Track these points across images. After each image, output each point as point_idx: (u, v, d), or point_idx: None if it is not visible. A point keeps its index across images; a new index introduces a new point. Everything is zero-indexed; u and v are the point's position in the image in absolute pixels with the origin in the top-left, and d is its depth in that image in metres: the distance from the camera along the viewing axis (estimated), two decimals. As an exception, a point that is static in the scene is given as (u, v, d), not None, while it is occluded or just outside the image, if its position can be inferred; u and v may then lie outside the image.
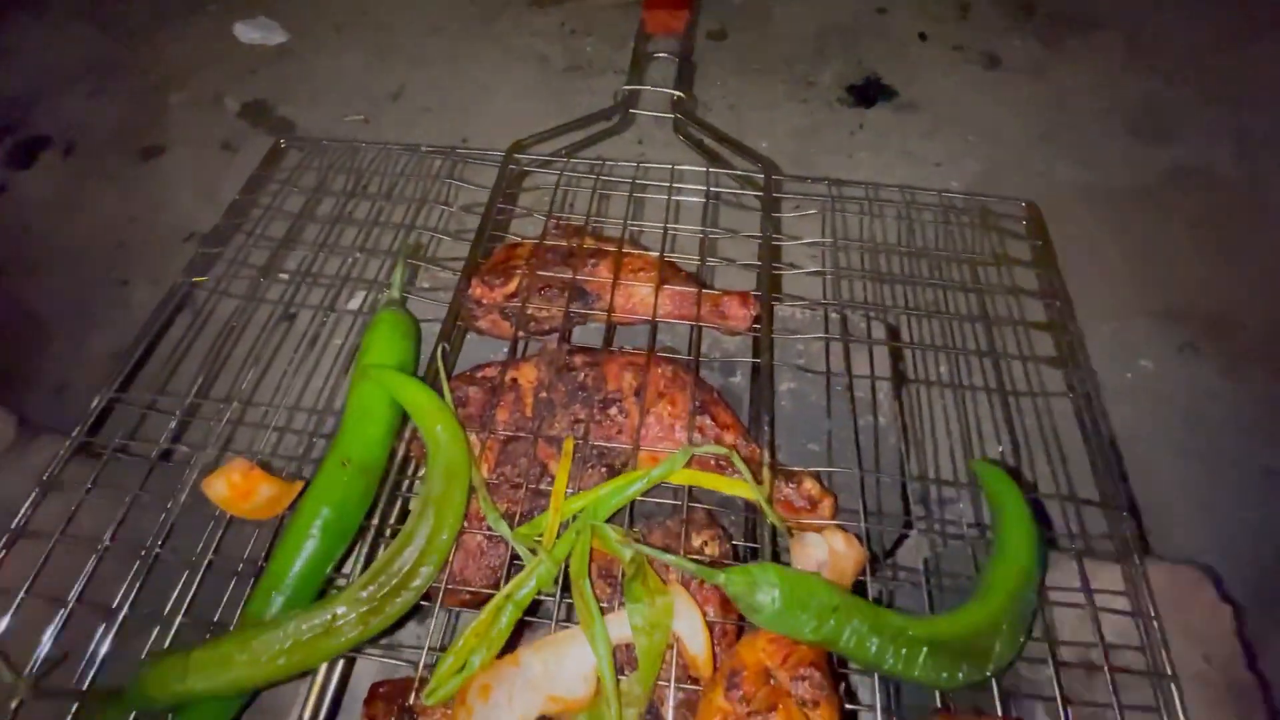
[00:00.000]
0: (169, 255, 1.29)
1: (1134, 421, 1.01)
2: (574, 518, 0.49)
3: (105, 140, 1.53)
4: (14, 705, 0.42)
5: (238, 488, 0.51)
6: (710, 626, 0.44)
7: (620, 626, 0.44)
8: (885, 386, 0.65)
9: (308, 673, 0.43)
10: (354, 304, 0.69)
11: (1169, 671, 0.46)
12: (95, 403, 0.58)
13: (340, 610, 0.42)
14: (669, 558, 0.43)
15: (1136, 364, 1.13)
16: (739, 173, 0.78)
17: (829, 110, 1.51)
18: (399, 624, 0.45)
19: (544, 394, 0.57)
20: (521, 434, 0.55)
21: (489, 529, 0.50)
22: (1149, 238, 1.31)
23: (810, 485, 0.53)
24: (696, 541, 0.49)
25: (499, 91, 1.59)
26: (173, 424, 0.58)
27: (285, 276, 0.69)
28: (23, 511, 0.51)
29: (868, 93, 1.52)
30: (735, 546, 0.53)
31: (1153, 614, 0.49)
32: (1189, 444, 1.02)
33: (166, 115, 1.57)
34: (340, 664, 0.45)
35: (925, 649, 0.41)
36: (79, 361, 1.16)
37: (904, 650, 0.41)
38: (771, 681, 0.40)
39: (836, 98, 1.54)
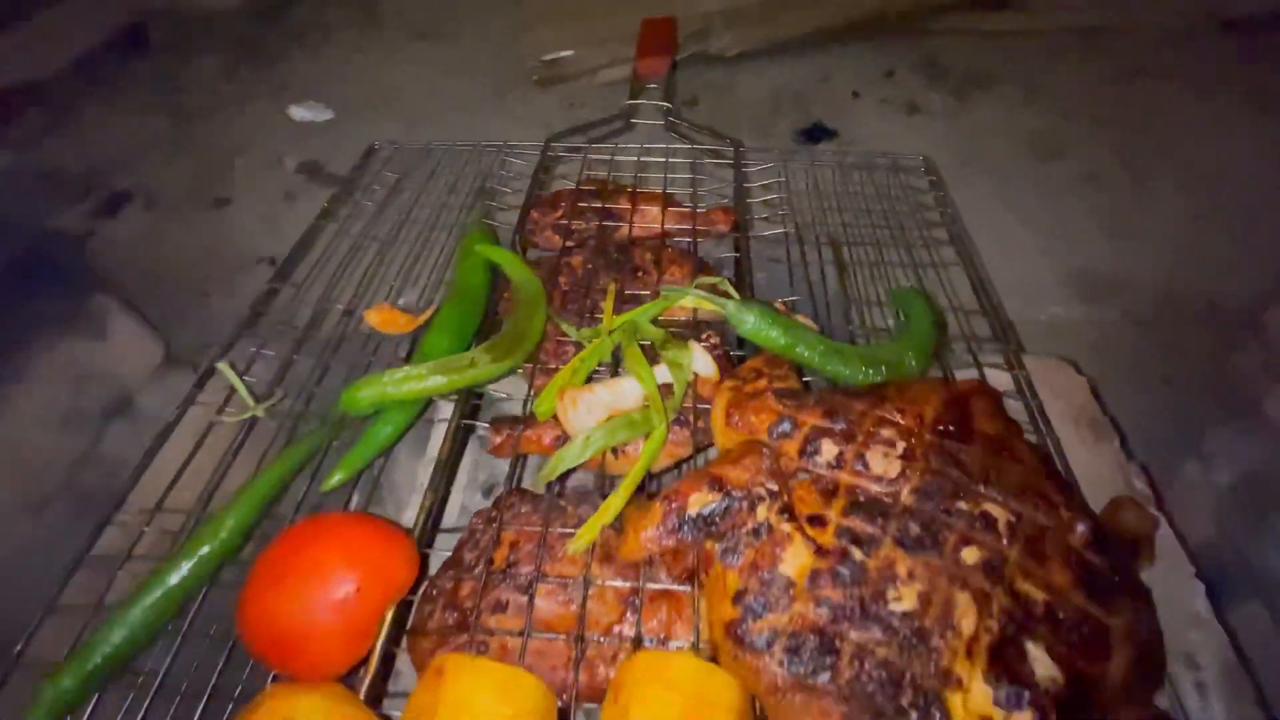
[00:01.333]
0: (243, 272, 1.57)
1: (1054, 348, 1.28)
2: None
3: (180, 194, 1.85)
4: (250, 423, 0.65)
5: (384, 317, 0.76)
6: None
7: (659, 375, 0.68)
8: (832, 273, 0.93)
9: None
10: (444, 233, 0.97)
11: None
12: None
13: (479, 355, 0.67)
14: (692, 290, 0.69)
15: (1048, 309, 1.42)
16: (715, 146, 1.09)
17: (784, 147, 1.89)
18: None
19: (589, 266, 0.84)
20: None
21: (561, 334, 0.75)
22: (1054, 226, 1.65)
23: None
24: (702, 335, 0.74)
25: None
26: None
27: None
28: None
29: (814, 134, 1.91)
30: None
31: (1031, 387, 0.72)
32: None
33: (233, 173, 1.91)
34: (459, 423, 0.67)
35: (858, 357, 0.66)
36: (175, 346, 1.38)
37: (842, 359, 0.66)
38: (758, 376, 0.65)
39: (789, 139, 1.93)
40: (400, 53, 2.53)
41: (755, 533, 0.47)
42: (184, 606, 0.55)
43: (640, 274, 0.84)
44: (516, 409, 0.71)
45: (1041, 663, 0.41)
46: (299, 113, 2.14)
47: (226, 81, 2.38)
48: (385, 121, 2.11)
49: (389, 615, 0.53)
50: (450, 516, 0.72)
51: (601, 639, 0.52)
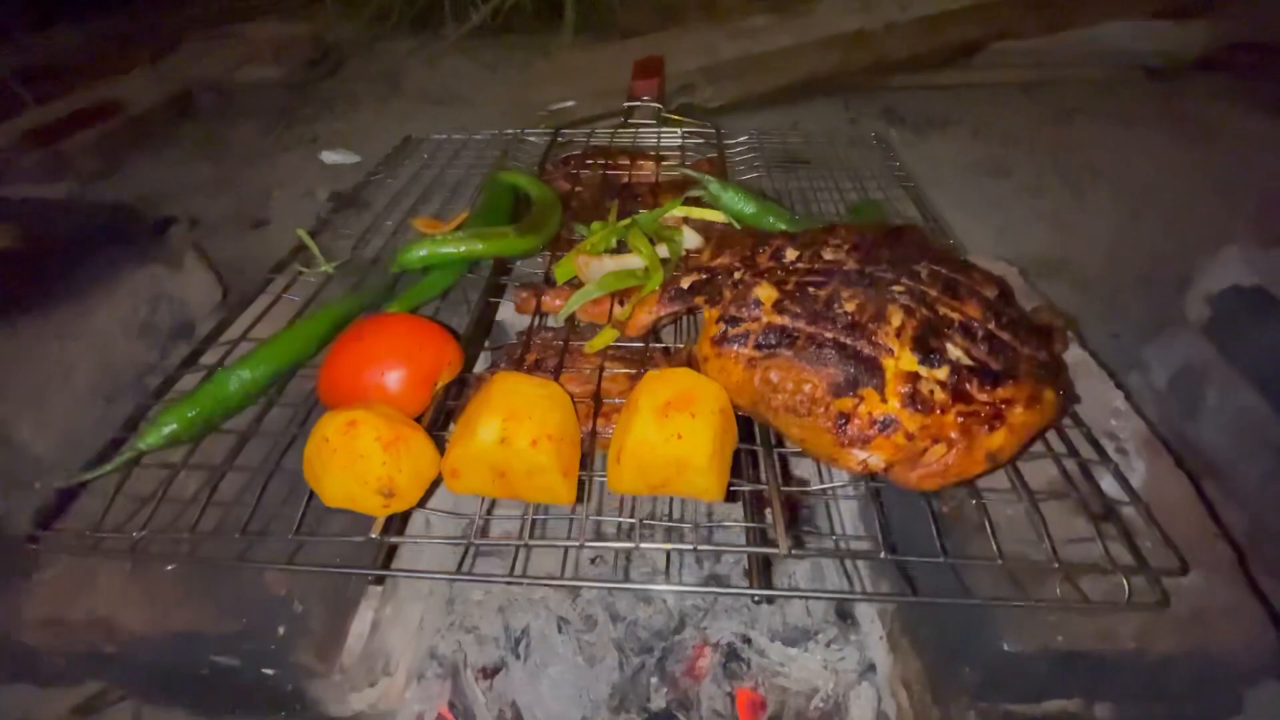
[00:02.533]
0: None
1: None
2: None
3: (221, 218, 2.05)
4: (322, 281, 0.79)
5: (428, 223, 0.91)
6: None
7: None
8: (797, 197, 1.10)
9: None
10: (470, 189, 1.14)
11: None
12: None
13: (509, 230, 0.81)
14: (689, 172, 0.85)
15: (1003, 281, 1.59)
16: (700, 129, 1.29)
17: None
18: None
19: (595, 198, 1.01)
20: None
21: (574, 234, 0.90)
22: (1003, 225, 1.85)
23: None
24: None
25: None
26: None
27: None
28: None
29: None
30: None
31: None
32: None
33: (270, 203, 2.12)
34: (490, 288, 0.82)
35: (816, 223, 0.82)
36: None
37: (806, 224, 0.81)
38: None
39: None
40: (420, 114, 2.84)
41: (734, 285, 0.60)
42: (270, 386, 0.67)
43: (638, 199, 1.01)
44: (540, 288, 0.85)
45: (957, 350, 0.53)
46: (330, 157, 2.39)
47: (264, 137, 2.65)
48: (408, 164, 2.36)
49: (439, 389, 0.64)
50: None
51: (614, 400, 0.64)
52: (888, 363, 0.52)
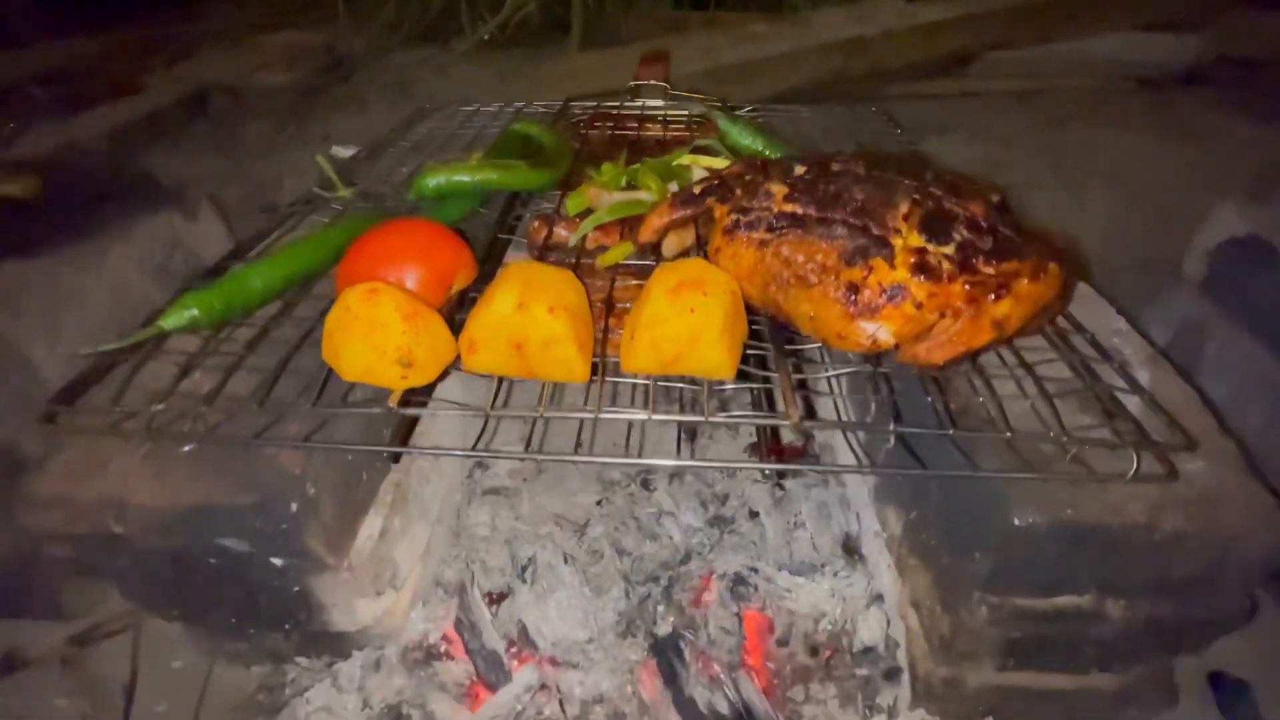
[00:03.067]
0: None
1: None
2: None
3: (231, 201, 2.08)
4: (341, 205, 0.81)
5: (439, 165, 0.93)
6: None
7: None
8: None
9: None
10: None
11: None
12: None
13: (523, 164, 0.83)
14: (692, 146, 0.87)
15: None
16: (710, 103, 1.33)
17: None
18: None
19: (605, 148, 1.04)
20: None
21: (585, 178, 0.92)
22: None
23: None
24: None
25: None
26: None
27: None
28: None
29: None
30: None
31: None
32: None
33: (282, 190, 2.15)
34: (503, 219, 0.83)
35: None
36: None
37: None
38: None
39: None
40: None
41: (745, 185, 0.62)
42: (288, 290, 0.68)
43: (645, 154, 1.03)
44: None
45: (962, 234, 0.55)
46: (340, 151, 2.43)
47: (276, 134, 2.70)
48: (419, 157, 2.41)
49: (454, 294, 0.65)
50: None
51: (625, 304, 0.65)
52: (896, 241, 0.53)
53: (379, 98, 3.14)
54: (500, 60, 3.46)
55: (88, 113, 2.31)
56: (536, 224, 0.83)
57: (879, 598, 0.79)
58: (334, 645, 0.74)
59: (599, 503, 0.95)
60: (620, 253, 0.72)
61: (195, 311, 0.59)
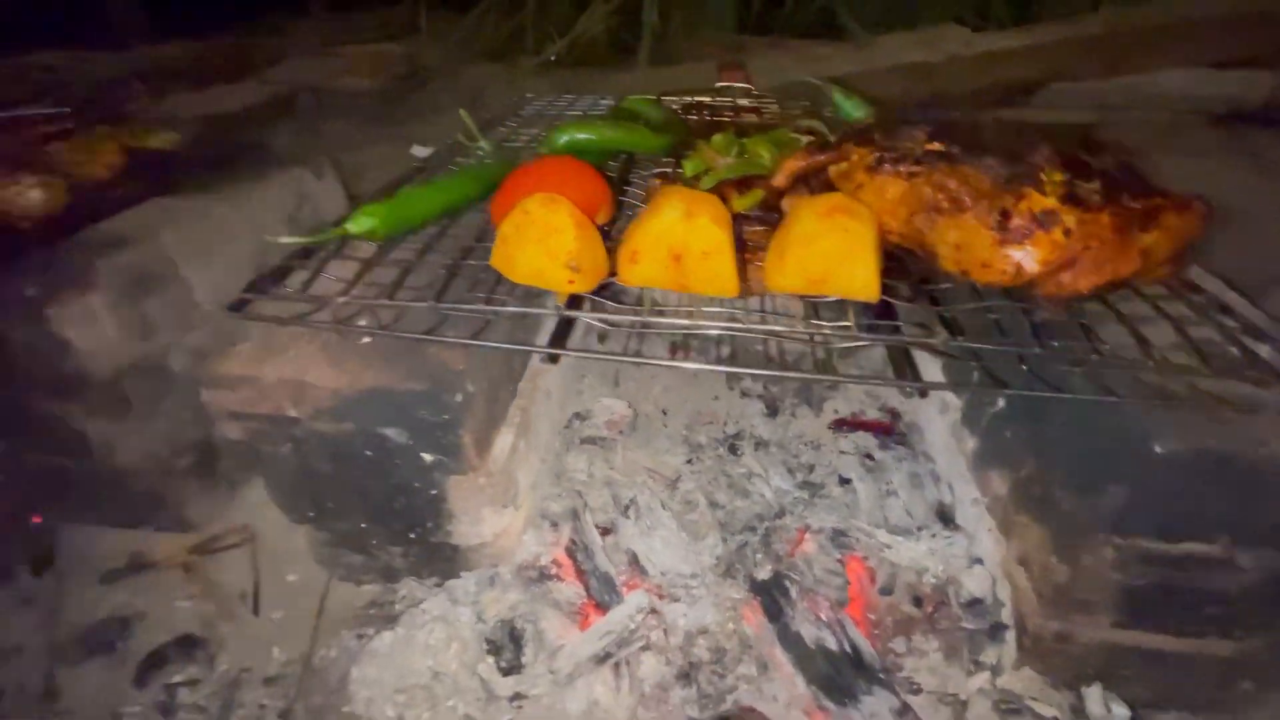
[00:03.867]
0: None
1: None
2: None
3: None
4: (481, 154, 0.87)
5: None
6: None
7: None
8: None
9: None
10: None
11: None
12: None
13: (645, 129, 0.89)
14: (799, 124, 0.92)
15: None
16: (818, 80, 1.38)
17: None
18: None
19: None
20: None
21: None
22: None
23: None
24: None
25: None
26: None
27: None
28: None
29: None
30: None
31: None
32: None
33: (362, 182, 2.27)
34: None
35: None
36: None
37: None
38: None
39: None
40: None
41: (884, 132, 0.66)
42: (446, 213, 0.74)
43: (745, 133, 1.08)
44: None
45: (1104, 172, 0.58)
46: (420, 150, 2.57)
47: (358, 133, 2.86)
48: (526, 112, 2.53)
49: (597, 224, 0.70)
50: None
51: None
52: (1043, 176, 0.56)
53: (453, 105, 3.31)
54: (566, 77, 3.62)
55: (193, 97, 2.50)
56: (657, 183, 0.88)
57: (979, 560, 0.79)
58: (446, 566, 0.78)
59: (688, 462, 0.98)
60: (750, 201, 0.76)
61: (374, 221, 0.65)
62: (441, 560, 0.77)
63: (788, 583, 0.76)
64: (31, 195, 0.89)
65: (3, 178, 0.90)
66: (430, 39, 3.82)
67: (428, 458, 0.65)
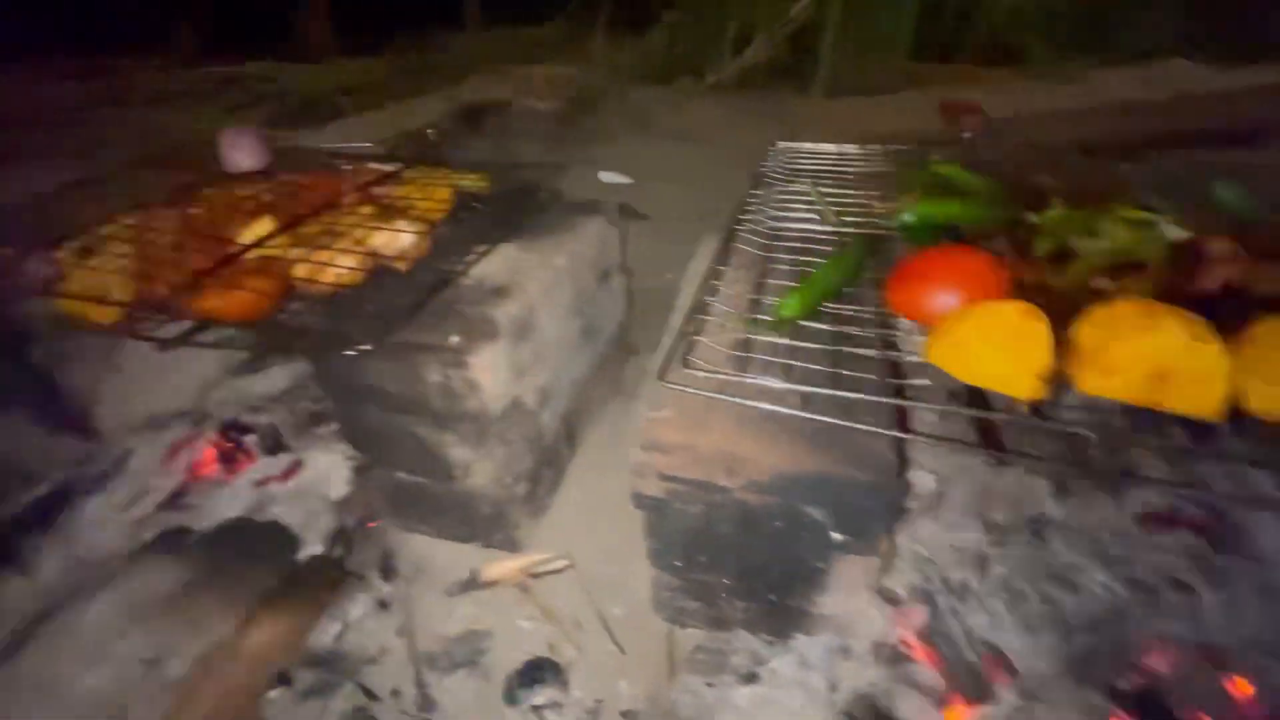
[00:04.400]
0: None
1: None
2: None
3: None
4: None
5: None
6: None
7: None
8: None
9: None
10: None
11: None
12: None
13: (983, 202, 0.88)
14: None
15: None
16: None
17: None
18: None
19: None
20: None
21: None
22: None
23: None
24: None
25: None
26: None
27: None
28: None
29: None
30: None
31: None
32: None
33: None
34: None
35: None
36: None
37: None
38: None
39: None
40: (671, 149, 3.12)
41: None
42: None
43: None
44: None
45: None
46: (607, 176, 2.68)
47: (546, 154, 3.02)
48: (672, 185, 2.59)
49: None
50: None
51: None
52: None
53: (624, 129, 3.43)
54: (730, 101, 3.66)
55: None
56: (1112, 285, 0.86)
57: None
58: (782, 626, 0.80)
59: (994, 544, 0.96)
60: (1145, 289, 0.73)
61: (802, 305, 0.69)
62: (782, 620, 0.80)
63: (1162, 696, 0.73)
64: (404, 240, 1.00)
65: (381, 222, 1.02)
66: (603, 62, 3.98)
67: (837, 537, 0.67)
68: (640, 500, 0.71)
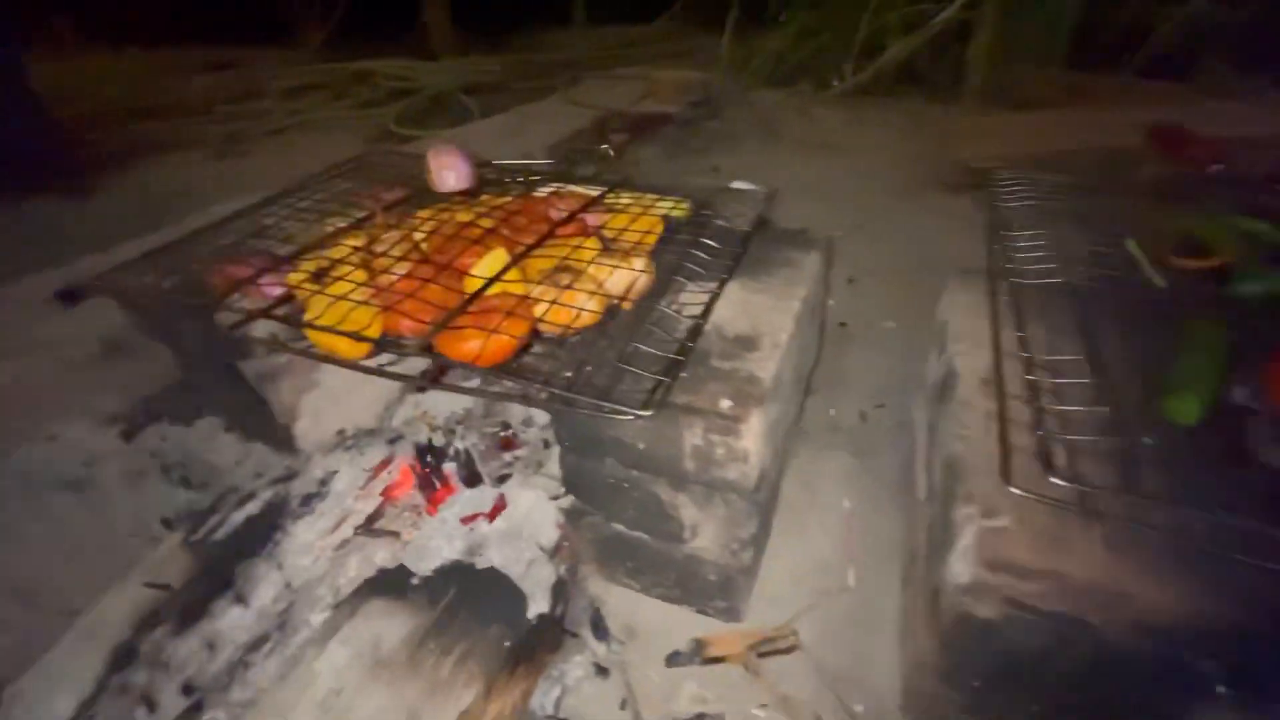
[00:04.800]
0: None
1: None
2: None
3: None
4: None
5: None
6: None
7: None
8: None
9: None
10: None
11: None
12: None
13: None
14: None
15: None
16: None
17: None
18: None
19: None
20: None
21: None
22: None
23: None
24: None
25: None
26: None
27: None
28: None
29: None
30: None
31: None
32: None
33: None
34: None
35: None
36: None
37: None
38: None
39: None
40: (803, 157, 2.98)
41: None
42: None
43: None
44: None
45: None
46: (738, 184, 2.58)
47: (668, 161, 2.95)
48: (812, 203, 2.46)
49: None
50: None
51: None
52: None
53: (749, 135, 3.32)
54: (860, 108, 3.48)
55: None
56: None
57: None
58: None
59: None
60: None
61: (1195, 403, 0.58)
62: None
63: None
64: (632, 277, 0.94)
65: (609, 257, 0.96)
66: (727, 68, 3.86)
67: (1222, 690, 0.56)
68: (965, 622, 0.61)
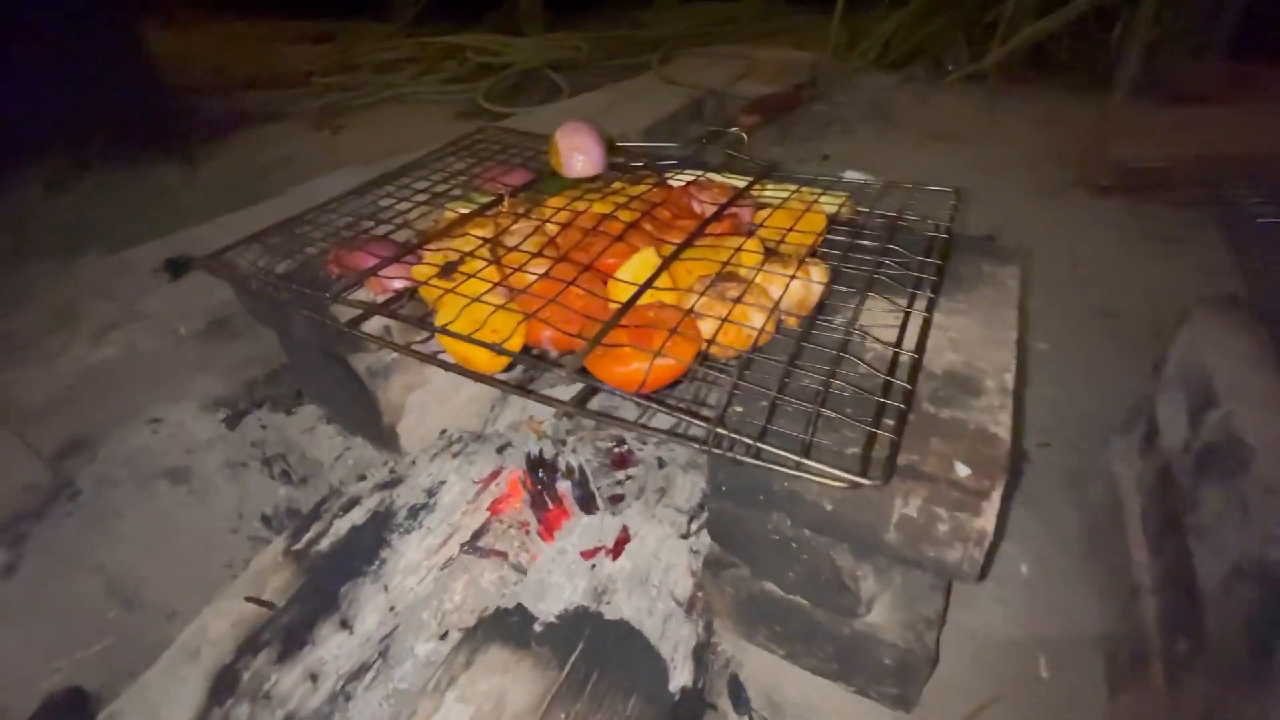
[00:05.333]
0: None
1: None
2: None
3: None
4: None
5: None
6: None
7: None
8: None
9: None
10: None
11: None
12: None
13: None
14: None
15: None
16: None
17: None
18: None
19: None
20: None
21: None
22: None
23: None
24: None
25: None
26: None
27: None
28: None
29: None
30: None
31: None
32: None
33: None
34: None
35: None
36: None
37: None
38: None
39: None
40: (923, 148, 2.72)
41: None
42: None
43: None
44: None
45: None
46: (852, 175, 2.36)
47: (776, 145, 2.75)
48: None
49: None
50: None
51: None
52: None
53: (861, 121, 3.06)
54: (982, 96, 3.16)
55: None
56: None
57: None
58: None
59: None
60: None
61: None
62: None
63: None
64: (805, 289, 0.79)
65: (773, 262, 0.81)
66: (835, 49, 3.58)
67: None
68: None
